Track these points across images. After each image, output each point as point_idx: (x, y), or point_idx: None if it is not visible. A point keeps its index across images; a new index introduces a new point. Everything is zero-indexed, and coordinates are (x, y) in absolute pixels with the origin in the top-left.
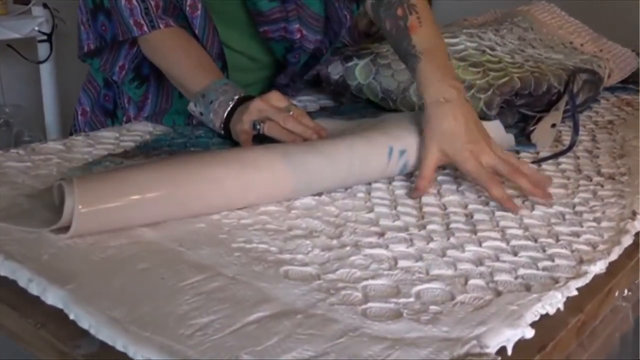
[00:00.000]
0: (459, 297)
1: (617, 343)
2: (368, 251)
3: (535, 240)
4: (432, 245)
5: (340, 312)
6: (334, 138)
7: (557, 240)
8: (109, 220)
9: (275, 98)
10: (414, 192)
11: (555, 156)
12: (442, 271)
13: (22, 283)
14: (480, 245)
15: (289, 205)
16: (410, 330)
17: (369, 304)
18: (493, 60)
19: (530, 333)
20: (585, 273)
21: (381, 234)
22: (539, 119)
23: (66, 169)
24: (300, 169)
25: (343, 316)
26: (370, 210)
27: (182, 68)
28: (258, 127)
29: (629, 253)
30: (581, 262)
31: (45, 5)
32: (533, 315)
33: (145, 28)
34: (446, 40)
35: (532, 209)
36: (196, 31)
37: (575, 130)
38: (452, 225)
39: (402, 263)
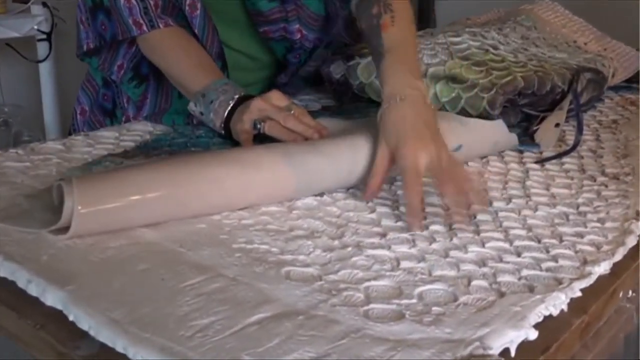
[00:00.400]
0: (462, 298)
1: (621, 344)
2: (370, 252)
3: (539, 241)
4: (434, 245)
5: (342, 313)
6: (335, 138)
7: (561, 240)
8: (108, 220)
9: (276, 97)
10: (366, 193)
11: (558, 156)
12: (445, 272)
13: (21, 284)
14: (483, 245)
15: (290, 205)
16: (412, 331)
17: (371, 305)
18: (496, 59)
19: (533, 334)
20: (589, 274)
21: (383, 235)
22: (543, 119)
23: (65, 169)
24: (301, 169)
25: (345, 317)
26: (372, 210)
27: (182, 68)
28: (259, 126)
29: (633, 254)
30: (585, 262)
31: (44, 4)
32: (536, 316)
33: (144, 27)
34: (449, 39)
35: (536, 209)
36: (196, 31)
37: (579, 130)
38: (455, 226)
39: (404, 264)
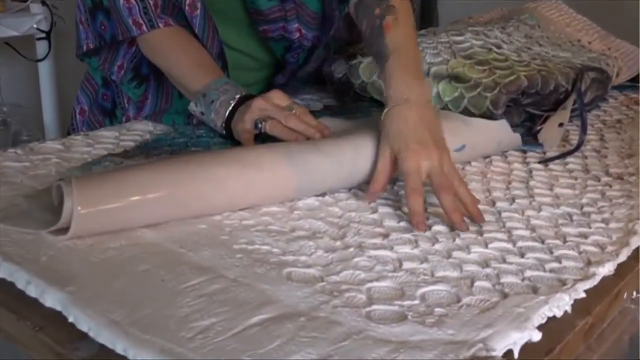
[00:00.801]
0: (465, 300)
1: (626, 345)
2: (372, 252)
3: (543, 242)
4: (437, 246)
5: (343, 314)
6: (337, 137)
7: (565, 241)
8: (108, 221)
9: (277, 97)
10: (367, 196)
11: (562, 156)
12: (448, 273)
13: (20, 285)
14: (486, 246)
15: (291, 206)
16: (415, 333)
17: (373, 307)
18: (499, 58)
19: (537, 336)
20: (593, 275)
21: (385, 235)
22: (546, 118)
23: (65, 168)
24: (302, 169)
25: (347, 319)
26: (375, 210)
27: (182, 67)
28: (260, 125)
29: (637, 254)
30: (589, 263)
31: (43, 3)
32: (540, 317)
33: (144, 27)
34: (452, 38)
35: (539, 209)
36: (196, 30)
37: (583, 130)
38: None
39: (406, 264)
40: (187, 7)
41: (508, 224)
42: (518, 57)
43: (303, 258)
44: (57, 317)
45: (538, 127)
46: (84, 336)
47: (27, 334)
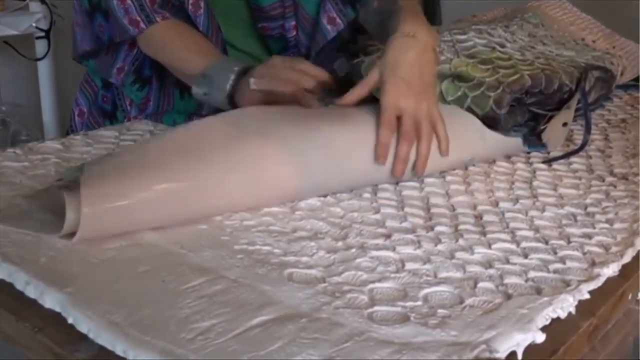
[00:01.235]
0: (468, 301)
1: (630, 347)
2: (374, 253)
3: (546, 242)
4: (440, 247)
5: (345, 315)
6: (341, 135)
7: (569, 242)
8: (115, 221)
9: (278, 60)
10: (344, 99)
11: (566, 156)
12: (451, 274)
13: (19, 286)
14: (489, 247)
15: (293, 206)
16: (417, 334)
17: (375, 308)
18: (503, 57)
19: (541, 337)
20: (598, 276)
21: (388, 236)
22: (550, 118)
23: (64, 168)
24: (306, 171)
25: (348, 320)
26: (377, 211)
27: (182, 55)
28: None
29: None
30: (593, 264)
31: (43, 1)
32: (544, 319)
33: (142, 25)
34: (455, 36)
35: (543, 210)
36: (200, 29)
37: (587, 129)
38: (461, 227)
39: (409, 265)
40: (190, 7)
41: (511, 225)
42: (522, 56)
43: (304, 259)
44: (56, 318)
45: (542, 127)
46: (83, 337)
47: (26, 335)
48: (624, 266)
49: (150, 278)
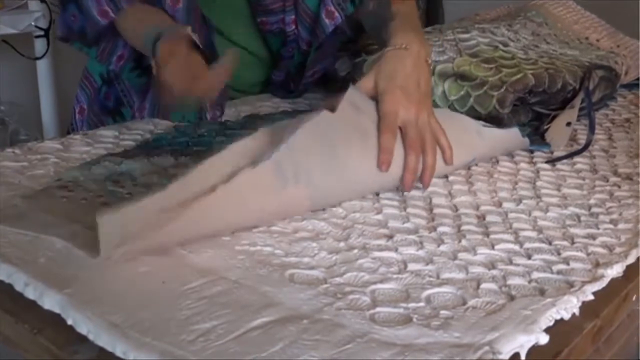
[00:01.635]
0: (471, 302)
1: (635, 349)
2: (376, 254)
3: (550, 243)
4: (442, 247)
5: (347, 317)
6: (351, 146)
7: (573, 242)
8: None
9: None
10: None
11: (570, 156)
12: (453, 275)
13: (18, 287)
14: (492, 247)
15: None
16: (420, 335)
17: (378, 309)
18: (506, 56)
19: (544, 339)
20: (602, 277)
21: (390, 236)
22: (554, 117)
23: (64, 168)
24: (316, 190)
25: (350, 321)
26: (379, 211)
27: (141, 27)
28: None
29: None
30: (597, 265)
31: (42, 0)
32: (547, 320)
33: (111, 14)
34: (458, 35)
35: (547, 210)
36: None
37: (591, 129)
38: (464, 227)
39: (411, 266)
40: (167, 0)
41: (515, 225)
42: (525, 55)
43: (306, 259)
44: (55, 320)
45: (545, 127)
46: (83, 339)
47: (25, 336)
48: (628, 267)
49: (151, 279)
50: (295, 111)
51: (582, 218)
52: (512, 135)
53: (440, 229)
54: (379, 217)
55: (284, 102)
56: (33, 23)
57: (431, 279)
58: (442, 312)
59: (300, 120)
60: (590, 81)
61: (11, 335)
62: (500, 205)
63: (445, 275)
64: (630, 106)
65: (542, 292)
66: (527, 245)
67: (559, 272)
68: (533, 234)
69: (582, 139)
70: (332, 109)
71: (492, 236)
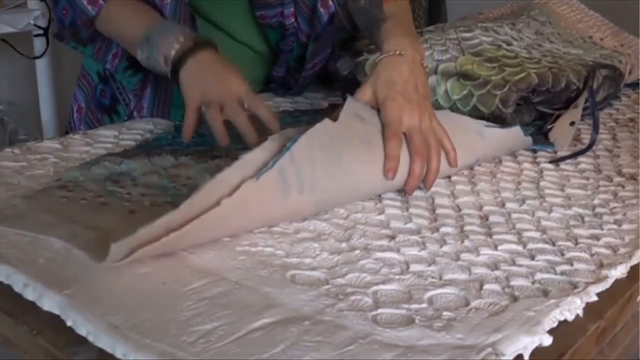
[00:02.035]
0: (474, 303)
1: (638, 350)
2: (378, 255)
3: (553, 244)
4: (445, 248)
5: (349, 318)
6: (355, 152)
7: (576, 243)
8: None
9: (237, 83)
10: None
11: (574, 155)
12: (456, 276)
13: (17, 288)
14: (495, 248)
15: None
16: (422, 337)
17: (380, 310)
18: (509, 55)
19: (548, 340)
20: (606, 278)
21: (392, 237)
22: (557, 117)
23: (63, 168)
24: (321, 199)
25: (352, 322)
26: (381, 212)
27: (130, 25)
28: (203, 109)
29: None
30: (601, 266)
31: None
32: (551, 321)
33: (100, 2)
34: (460, 34)
35: (550, 211)
36: (166, 18)
37: (595, 129)
38: (467, 228)
39: (414, 267)
40: None
41: (518, 226)
42: (528, 54)
43: (307, 260)
44: (55, 321)
45: (549, 126)
46: (82, 340)
47: (25, 338)
48: (633, 268)
49: (151, 280)
50: (297, 110)
51: (586, 218)
52: (514, 134)
53: (443, 229)
54: (381, 217)
55: (285, 101)
56: (32, 22)
57: (434, 280)
58: (444, 313)
59: (304, 129)
60: (594, 80)
61: (10, 337)
62: (503, 205)
63: (448, 276)
64: (634, 105)
65: (545, 293)
66: (530, 245)
67: (562, 273)
68: (536, 234)
69: (586, 138)
70: (335, 119)
71: (495, 237)
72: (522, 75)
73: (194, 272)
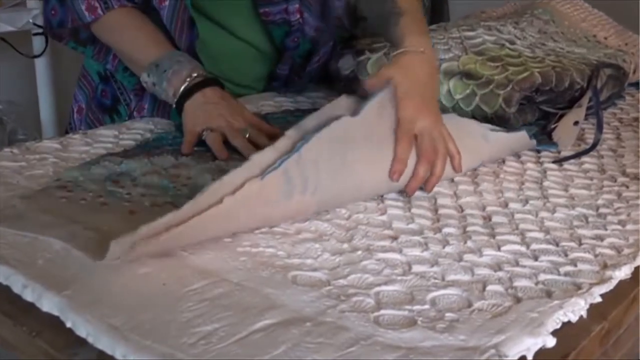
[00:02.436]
0: (477, 304)
1: None
2: (381, 255)
3: (557, 244)
4: (448, 249)
5: (351, 319)
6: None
7: (580, 244)
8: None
9: (239, 119)
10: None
11: (577, 155)
12: (459, 276)
13: (16, 289)
14: (498, 249)
15: None
16: (425, 338)
17: (382, 311)
18: (512, 54)
19: (551, 342)
20: (610, 278)
21: (394, 238)
22: (561, 117)
23: (63, 169)
24: (324, 199)
25: (354, 324)
26: (383, 212)
27: (137, 42)
28: (204, 134)
29: None
30: (605, 267)
31: None
32: (554, 323)
33: (99, 10)
34: (463, 33)
35: (554, 211)
36: (164, 21)
37: (599, 128)
38: (469, 228)
39: (416, 268)
40: None
41: (521, 226)
42: (532, 53)
43: (309, 261)
44: (54, 322)
45: (552, 126)
46: (82, 342)
47: (24, 339)
48: (637, 269)
49: (151, 281)
50: (298, 110)
51: (590, 219)
52: (519, 138)
53: (446, 230)
54: (383, 218)
55: (286, 101)
56: (31, 20)
57: (436, 280)
58: (447, 314)
59: (321, 124)
60: (598, 79)
61: (9, 338)
62: (506, 205)
63: (451, 277)
64: (638, 105)
65: (549, 294)
66: (533, 246)
67: (566, 274)
68: (540, 235)
69: (590, 138)
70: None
71: (498, 237)
72: (525, 74)
73: (195, 273)
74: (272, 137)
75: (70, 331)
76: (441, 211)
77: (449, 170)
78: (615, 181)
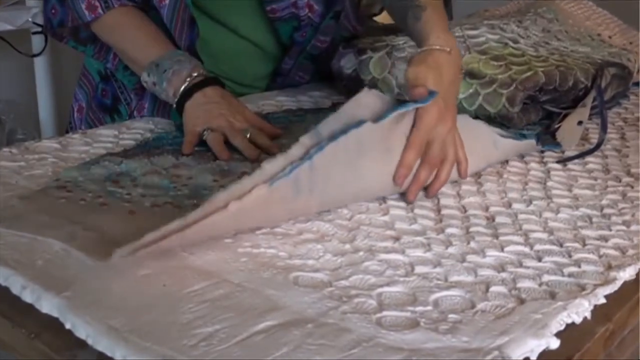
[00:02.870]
0: (480, 305)
1: None
2: (383, 256)
3: (561, 245)
4: (451, 250)
5: (353, 321)
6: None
7: (584, 244)
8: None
9: (240, 119)
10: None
11: (582, 155)
12: (462, 277)
13: (15, 290)
14: (502, 250)
15: None
16: (427, 340)
17: (384, 313)
18: (516, 53)
19: (555, 343)
20: (614, 279)
21: (397, 238)
22: (565, 116)
23: (62, 169)
24: (327, 201)
25: (356, 325)
26: (385, 212)
27: (137, 41)
28: (205, 133)
29: None
30: (609, 268)
31: None
32: (558, 324)
33: (99, 10)
34: (466, 32)
35: (557, 211)
36: (164, 19)
37: (603, 128)
38: (472, 229)
39: (419, 269)
40: None
41: (525, 227)
42: (535, 52)
43: (311, 262)
44: (53, 324)
45: (556, 125)
46: (82, 343)
47: (23, 341)
48: None
49: (151, 282)
50: (300, 109)
51: (594, 219)
52: (527, 145)
53: (449, 230)
54: (386, 218)
55: (288, 100)
56: (30, 19)
57: (439, 282)
58: (450, 315)
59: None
60: (602, 79)
61: (7, 340)
62: (510, 206)
63: (454, 278)
64: None
65: (552, 296)
66: (537, 247)
67: (570, 275)
68: (543, 235)
69: (594, 138)
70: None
71: (501, 238)
72: (529, 73)
73: (195, 274)
74: (273, 137)
75: (69, 333)
76: (444, 211)
77: (453, 175)
78: (620, 181)
